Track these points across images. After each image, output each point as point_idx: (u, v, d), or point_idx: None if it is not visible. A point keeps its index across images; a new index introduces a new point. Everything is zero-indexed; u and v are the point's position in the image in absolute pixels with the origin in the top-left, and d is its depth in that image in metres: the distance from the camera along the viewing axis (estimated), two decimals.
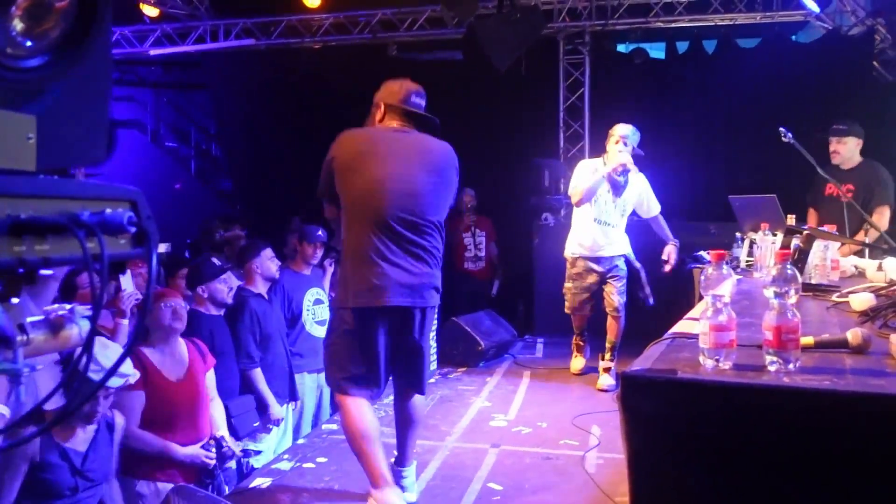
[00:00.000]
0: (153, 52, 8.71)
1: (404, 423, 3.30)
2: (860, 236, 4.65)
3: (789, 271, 1.64)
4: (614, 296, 5.14)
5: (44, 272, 1.00)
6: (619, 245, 5.19)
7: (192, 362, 3.70)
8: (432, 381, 5.37)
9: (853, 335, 1.80)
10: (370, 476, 3.04)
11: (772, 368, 1.63)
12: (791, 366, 1.61)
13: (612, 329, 5.17)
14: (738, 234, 4.82)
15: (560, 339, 6.54)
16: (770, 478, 1.55)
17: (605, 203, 5.11)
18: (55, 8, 0.99)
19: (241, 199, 10.49)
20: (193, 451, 3.55)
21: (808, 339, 1.83)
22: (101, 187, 1.01)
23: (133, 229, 1.01)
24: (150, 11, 8.42)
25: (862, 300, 2.32)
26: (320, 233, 5.02)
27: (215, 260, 4.40)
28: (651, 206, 5.29)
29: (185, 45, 8.75)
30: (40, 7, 0.97)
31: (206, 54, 9.07)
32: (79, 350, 1.06)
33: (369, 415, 3.08)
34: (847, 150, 5.11)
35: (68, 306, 1.13)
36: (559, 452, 3.92)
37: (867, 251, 4.22)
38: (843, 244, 4.12)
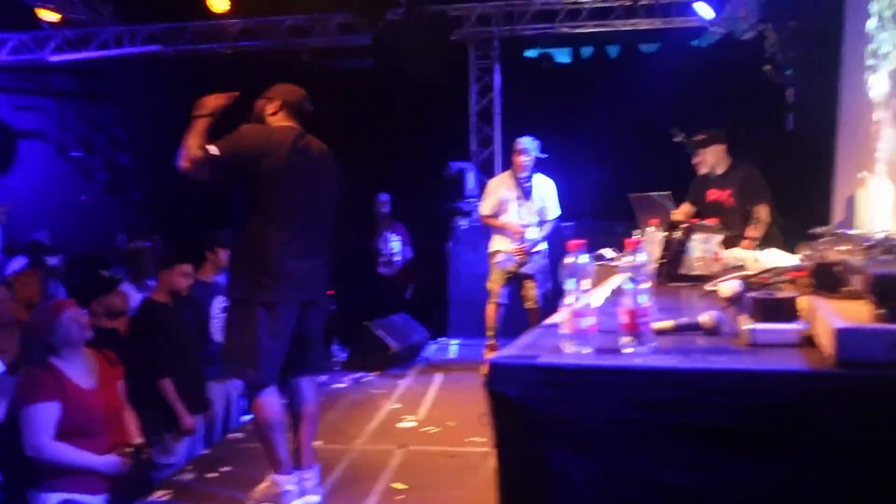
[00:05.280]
0: (53, 58, 8.41)
1: (299, 417, 3.35)
2: (750, 232, 4.82)
3: (640, 258, 1.73)
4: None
5: None
6: None
7: (102, 371, 3.61)
8: (343, 385, 5.37)
9: (706, 318, 1.91)
10: (274, 462, 3.18)
11: (627, 350, 1.71)
12: (644, 347, 1.70)
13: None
14: (636, 232, 5.00)
15: (474, 341, 6.63)
16: (626, 453, 1.62)
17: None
18: None
19: (154, 209, 10.24)
20: (112, 459, 3.45)
21: (666, 323, 1.93)
22: None
23: None
24: (49, 17, 8.12)
25: (729, 287, 2.44)
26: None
27: (103, 272, 4.32)
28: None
29: (87, 51, 8.49)
30: None
31: (114, 62, 8.84)
32: None
33: (279, 405, 3.22)
34: (712, 158, 5.07)
35: None
36: (466, 450, 3.96)
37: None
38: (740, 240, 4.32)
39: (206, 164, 3.06)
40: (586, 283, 1.75)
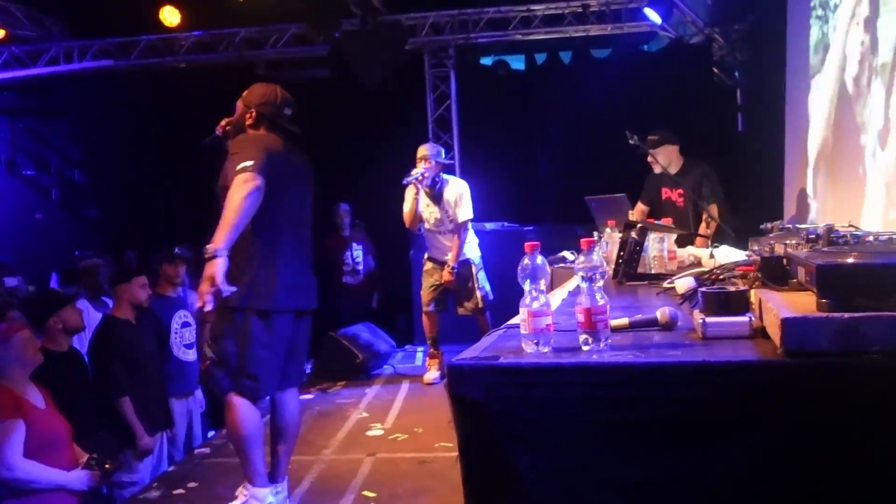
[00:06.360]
0: (1, 76, 8.24)
1: (280, 431, 3.35)
2: (702, 230, 4.92)
3: (595, 257, 1.77)
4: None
5: None
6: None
7: (45, 398, 3.56)
8: (310, 396, 5.35)
9: (661, 314, 1.96)
10: (250, 474, 3.13)
11: (585, 348, 1.75)
12: (601, 344, 1.74)
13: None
14: (595, 233, 5.07)
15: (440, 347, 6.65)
16: (587, 451, 1.65)
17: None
18: None
19: (109, 226, 10.08)
20: (81, 474, 3.41)
21: (623, 321, 1.98)
22: None
23: None
24: None
25: (684, 284, 2.50)
26: (177, 250, 4.95)
27: (57, 289, 4.25)
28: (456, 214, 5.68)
29: (36, 67, 8.34)
30: None
31: (64, 78, 8.69)
32: None
33: (257, 417, 3.19)
34: (664, 159, 5.11)
35: None
36: (434, 455, 3.99)
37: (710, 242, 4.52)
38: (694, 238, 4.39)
39: (255, 185, 2.98)
40: (543, 284, 1.79)
